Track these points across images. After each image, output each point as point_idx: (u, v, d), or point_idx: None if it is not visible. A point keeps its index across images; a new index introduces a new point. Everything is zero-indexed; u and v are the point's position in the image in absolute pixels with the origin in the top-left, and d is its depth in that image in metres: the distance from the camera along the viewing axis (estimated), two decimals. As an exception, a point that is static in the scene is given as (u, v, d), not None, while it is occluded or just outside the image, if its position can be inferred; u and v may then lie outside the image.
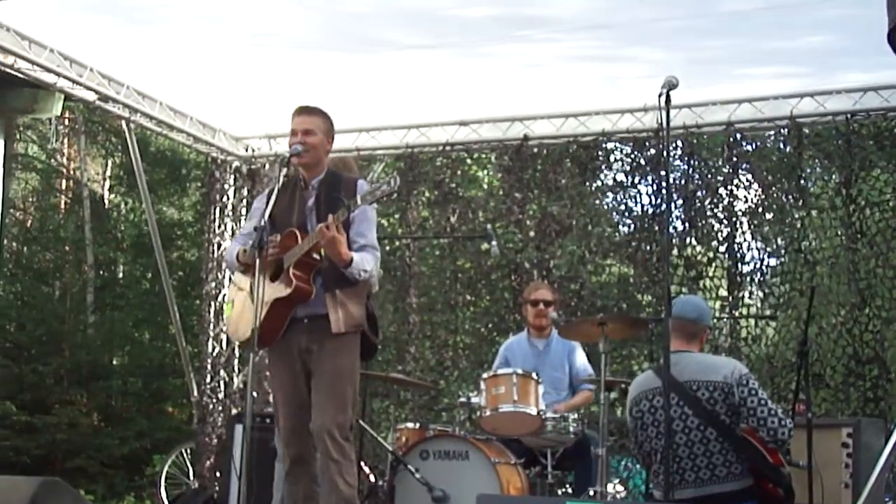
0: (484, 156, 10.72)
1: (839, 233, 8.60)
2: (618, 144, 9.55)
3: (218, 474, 9.55)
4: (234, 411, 10.01)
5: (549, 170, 9.68)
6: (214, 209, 10.73)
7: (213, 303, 10.59)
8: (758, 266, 8.97)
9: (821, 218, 8.72)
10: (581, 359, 7.24)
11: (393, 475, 6.43)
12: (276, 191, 5.19)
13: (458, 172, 10.23)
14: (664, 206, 9.06)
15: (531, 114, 9.60)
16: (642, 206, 9.43)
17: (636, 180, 9.49)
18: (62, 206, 21.23)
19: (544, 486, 6.39)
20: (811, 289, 6.99)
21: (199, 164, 18.09)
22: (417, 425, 6.92)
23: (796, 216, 8.79)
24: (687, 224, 9.18)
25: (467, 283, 9.98)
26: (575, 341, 7.15)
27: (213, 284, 10.61)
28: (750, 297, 9.13)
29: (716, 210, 9.09)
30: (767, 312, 8.87)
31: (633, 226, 9.51)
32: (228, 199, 10.76)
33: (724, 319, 8.83)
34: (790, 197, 8.89)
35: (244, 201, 10.79)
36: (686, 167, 9.22)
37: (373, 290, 5.60)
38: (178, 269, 18.84)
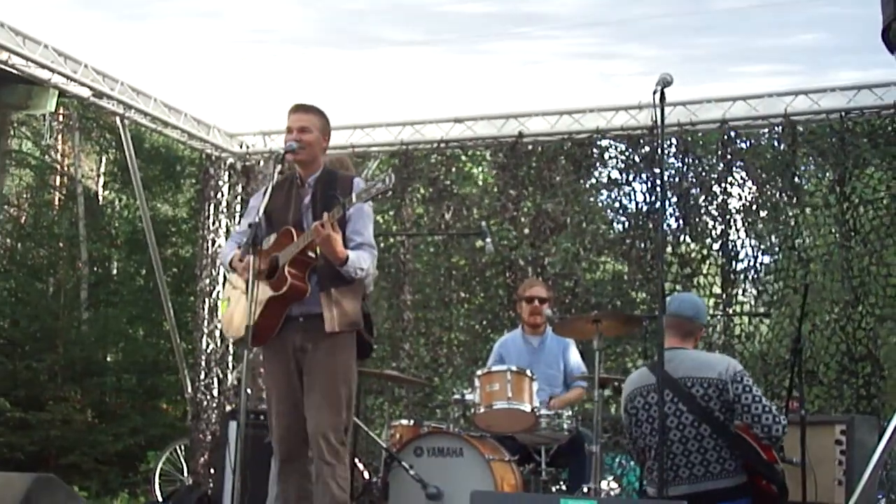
0: (479, 153, 10.72)
1: (833, 230, 8.62)
2: (612, 142, 9.55)
3: (212, 471, 9.55)
4: (228, 408, 10.00)
5: (544, 167, 9.68)
6: (209, 206, 10.73)
7: (207, 299, 10.59)
8: (751, 263, 8.98)
9: (815, 215, 8.74)
10: (575, 356, 7.26)
11: (387, 472, 6.43)
12: (270, 188, 5.18)
13: (453, 169, 10.23)
14: (658, 203, 9.10)
15: (526, 111, 9.61)
16: (636, 203, 9.43)
17: (630, 177, 9.50)
18: (56, 202, 21.21)
19: (538, 482, 6.39)
20: (805, 286, 7.02)
21: (194, 161, 18.08)
22: (412, 422, 6.92)
23: (790, 214, 8.81)
24: (681, 221, 9.19)
25: (462, 280, 9.99)
26: (569, 338, 7.16)
27: (208, 281, 10.61)
28: (744, 295, 9.14)
29: (710, 207, 9.11)
30: (761, 310, 8.89)
31: (627, 223, 9.51)
32: (223, 195, 10.76)
33: (718, 317, 8.84)
34: (784, 194, 8.90)
35: (239, 198, 10.79)
36: (680, 164, 9.23)
37: (367, 291, 5.58)
38: (172, 266, 18.84)
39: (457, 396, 6.71)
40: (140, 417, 17.32)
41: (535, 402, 6.36)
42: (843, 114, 8.66)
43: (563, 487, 6.77)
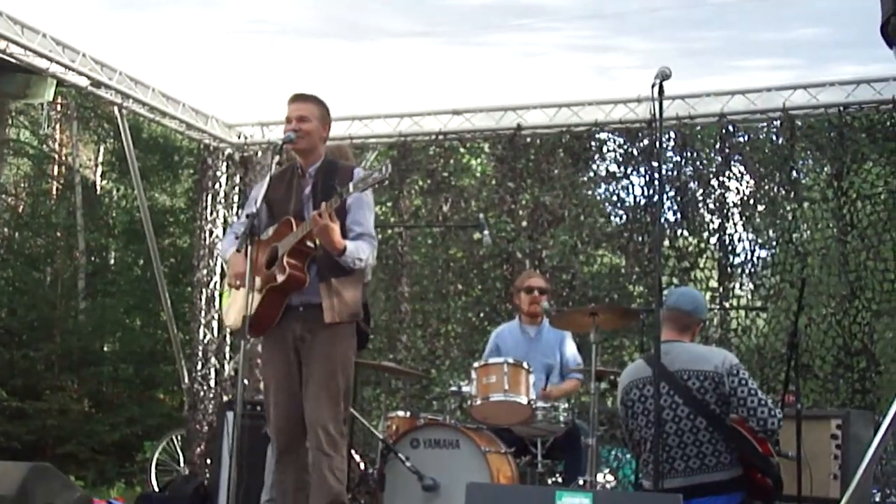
0: (477, 145, 10.71)
1: (830, 225, 8.63)
2: (611, 135, 9.55)
3: (208, 461, 9.56)
4: (225, 398, 10.01)
5: (542, 160, 9.68)
6: (206, 196, 10.73)
7: (204, 290, 10.59)
8: (749, 257, 8.99)
9: (812, 210, 8.75)
10: (571, 348, 7.26)
11: (383, 463, 6.44)
12: (269, 178, 5.18)
13: (451, 161, 10.22)
14: (656, 196, 9.12)
15: (524, 103, 9.60)
16: (634, 196, 9.44)
17: (629, 171, 9.49)
18: (54, 191, 21.21)
19: (534, 475, 6.40)
20: (802, 280, 7.01)
21: (192, 151, 18.05)
22: (408, 414, 6.93)
23: (788, 208, 8.81)
24: (679, 215, 9.19)
25: (459, 273, 9.99)
26: (565, 330, 7.17)
27: (205, 271, 10.61)
28: (741, 289, 9.16)
29: (708, 201, 9.11)
30: (758, 304, 8.89)
31: (625, 216, 9.52)
32: (221, 186, 10.76)
33: (715, 310, 8.85)
34: (782, 189, 8.90)
35: (236, 188, 10.79)
36: (678, 158, 9.23)
37: (366, 280, 5.58)
38: (169, 256, 18.84)
39: (453, 388, 6.72)
40: (137, 407, 17.33)
41: (532, 394, 6.37)
42: (841, 108, 8.66)
43: (559, 480, 6.76)
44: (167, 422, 15.93)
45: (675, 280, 8.90)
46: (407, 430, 6.49)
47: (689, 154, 9.24)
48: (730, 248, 8.99)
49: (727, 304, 8.92)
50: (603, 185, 9.75)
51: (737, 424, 5.04)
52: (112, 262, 20.79)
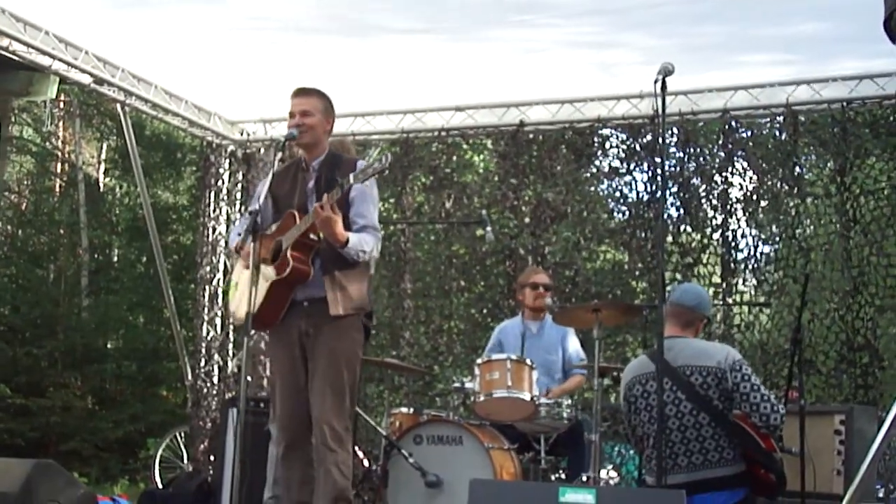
0: (479, 141, 10.71)
1: (833, 220, 8.62)
2: (613, 131, 9.54)
3: (212, 458, 9.56)
4: (228, 395, 10.02)
5: (545, 156, 9.68)
6: (209, 193, 10.74)
7: (207, 287, 10.60)
8: (752, 253, 8.98)
9: (815, 205, 8.75)
10: (574, 344, 7.27)
11: (386, 460, 6.45)
12: (271, 174, 5.18)
13: (454, 158, 10.21)
14: (659, 192, 9.11)
15: (527, 100, 9.60)
16: (637, 192, 9.43)
17: (631, 167, 9.49)
18: (57, 189, 21.21)
19: (537, 471, 6.40)
20: (805, 276, 7.02)
21: (195, 148, 18.06)
22: (411, 410, 6.93)
23: (791, 203, 8.81)
24: (682, 211, 9.19)
25: (462, 269, 9.98)
26: (568, 326, 7.18)
27: (208, 268, 10.62)
28: (744, 284, 9.15)
29: (711, 197, 9.10)
30: (761, 299, 8.89)
31: (627, 212, 9.51)
32: (223, 183, 10.76)
33: (718, 306, 8.84)
34: (785, 184, 8.90)
35: (239, 185, 10.80)
36: (681, 154, 9.23)
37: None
38: (172, 253, 18.85)
39: (456, 385, 6.72)
40: (140, 404, 17.35)
41: (535, 390, 6.37)
42: (844, 104, 8.65)
43: (563, 476, 6.77)
44: (170, 419, 15.94)
45: (678, 276, 8.90)
46: (410, 427, 6.49)
47: (691, 150, 9.23)
48: (733, 243, 8.98)
49: (730, 300, 8.91)
50: (606, 182, 9.75)
51: (740, 420, 5.04)
52: (115, 259, 20.80)
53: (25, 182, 22.07)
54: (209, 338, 10.55)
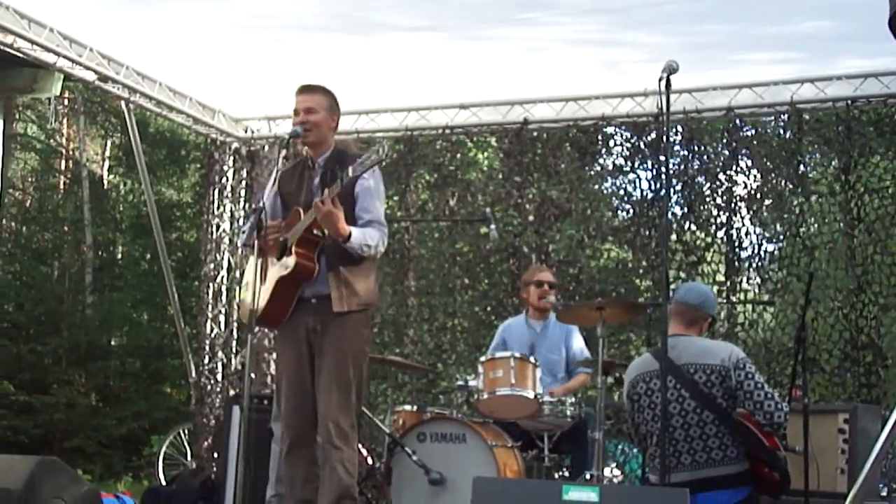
0: (484, 139, 10.70)
1: (838, 219, 8.60)
2: (617, 129, 9.53)
3: (215, 455, 9.58)
4: (231, 392, 10.03)
5: (549, 154, 9.67)
6: (213, 190, 10.73)
7: (211, 284, 10.60)
8: (756, 251, 8.96)
9: (819, 204, 8.73)
10: (578, 342, 7.27)
11: (390, 457, 6.45)
12: (275, 171, 5.19)
13: (458, 155, 10.21)
14: (663, 190, 9.08)
15: (531, 97, 9.59)
16: (641, 190, 9.43)
17: (636, 165, 9.48)
18: (61, 186, 21.25)
19: (541, 469, 6.41)
20: (809, 275, 7.00)
21: (199, 146, 18.09)
22: (415, 408, 6.94)
23: (795, 202, 8.79)
24: (686, 209, 9.18)
25: (466, 267, 9.98)
26: (572, 325, 7.18)
27: (212, 266, 10.62)
28: (748, 283, 9.13)
29: (715, 195, 9.09)
30: (765, 298, 8.89)
31: (632, 210, 9.51)
32: (227, 180, 10.76)
33: (722, 304, 8.83)
34: (789, 183, 8.88)
35: (243, 183, 10.79)
36: (685, 152, 9.21)
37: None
38: (176, 251, 18.89)
39: (460, 382, 6.74)
40: (144, 401, 17.39)
41: (539, 388, 6.38)
42: (849, 102, 8.63)
43: (566, 474, 6.78)
44: (174, 416, 15.97)
45: (682, 274, 8.89)
46: (414, 425, 6.50)
47: (696, 148, 9.22)
48: (737, 242, 8.97)
49: (734, 298, 8.91)
50: (610, 180, 9.73)
51: (743, 418, 5.04)
52: (119, 256, 20.83)
53: (29, 179, 22.12)
54: (213, 335, 10.56)
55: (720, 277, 9.02)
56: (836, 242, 8.57)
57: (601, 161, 9.70)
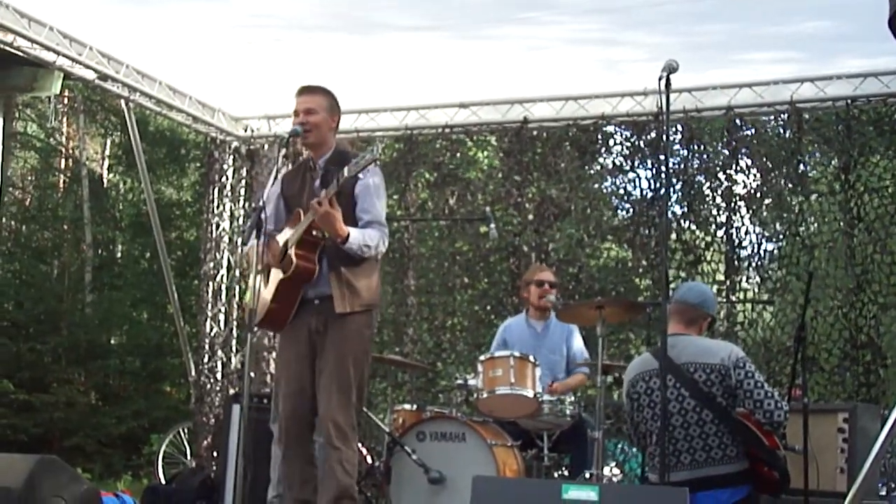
0: (483, 138, 10.70)
1: (837, 218, 8.60)
2: (617, 128, 9.53)
3: (215, 454, 9.58)
4: (231, 391, 10.02)
5: (549, 153, 9.67)
6: (213, 189, 10.72)
7: (211, 283, 10.59)
8: (755, 250, 8.96)
9: (819, 203, 8.72)
10: (578, 342, 7.27)
11: (389, 456, 6.45)
12: (275, 170, 5.19)
13: (458, 154, 10.21)
14: (663, 190, 9.07)
15: (531, 96, 9.58)
16: (641, 190, 9.43)
17: (635, 164, 9.48)
18: (61, 184, 21.25)
19: (540, 468, 6.41)
20: (809, 274, 7.00)
21: (199, 144, 18.09)
22: (414, 407, 6.94)
23: (795, 201, 8.79)
24: (685, 208, 9.18)
25: (465, 266, 9.97)
26: (573, 324, 7.17)
27: (212, 265, 10.61)
28: (747, 282, 9.13)
29: (715, 194, 9.09)
30: (764, 297, 8.89)
31: (631, 210, 9.51)
32: (227, 179, 10.75)
33: (722, 303, 8.83)
34: (789, 182, 8.88)
35: (243, 182, 10.79)
36: (685, 151, 9.21)
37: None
38: (176, 249, 18.88)
39: (460, 381, 6.74)
40: (143, 400, 17.39)
41: (538, 387, 6.38)
42: (848, 101, 8.63)
43: (566, 473, 6.78)
44: (174, 414, 15.96)
45: (681, 273, 8.89)
46: (413, 424, 6.50)
47: (695, 147, 9.21)
48: (736, 241, 8.97)
49: (734, 298, 8.91)
50: (609, 179, 9.73)
51: (743, 418, 5.04)
52: (119, 255, 20.83)
53: (29, 178, 22.11)
54: (213, 334, 10.55)
55: (720, 277, 9.02)
56: (835, 242, 8.57)
57: (601, 160, 9.70)
